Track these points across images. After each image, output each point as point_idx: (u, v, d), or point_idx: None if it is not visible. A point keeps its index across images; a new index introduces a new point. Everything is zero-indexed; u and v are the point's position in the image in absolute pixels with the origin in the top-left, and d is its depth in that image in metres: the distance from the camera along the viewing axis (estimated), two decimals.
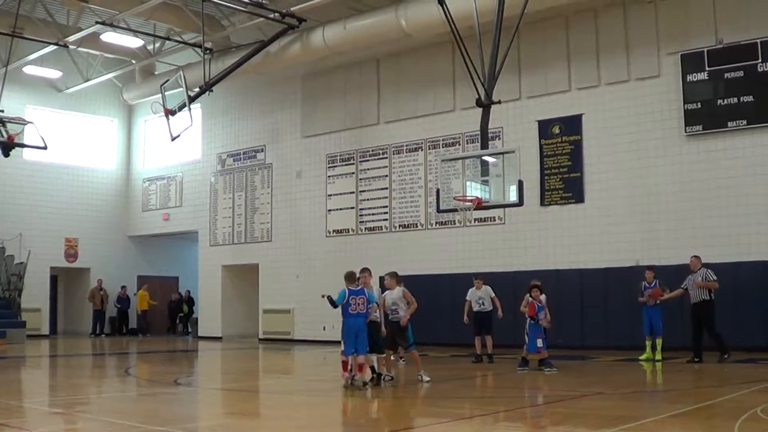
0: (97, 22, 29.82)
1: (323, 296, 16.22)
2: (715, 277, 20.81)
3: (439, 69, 29.77)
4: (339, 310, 15.95)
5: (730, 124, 24.02)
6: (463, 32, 20.46)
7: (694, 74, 24.63)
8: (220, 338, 35.83)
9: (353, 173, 32.24)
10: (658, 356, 21.81)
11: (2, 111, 30.41)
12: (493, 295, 21.98)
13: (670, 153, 25.07)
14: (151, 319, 41.01)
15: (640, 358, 21.95)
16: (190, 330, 40.52)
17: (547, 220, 27.20)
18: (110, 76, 37.12)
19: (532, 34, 27.05)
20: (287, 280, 32.64)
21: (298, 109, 34.35)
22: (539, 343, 19.17)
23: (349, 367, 16.11)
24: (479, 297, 22.01)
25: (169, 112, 29.18)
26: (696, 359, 20.63)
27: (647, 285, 22.18)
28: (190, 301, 41.25)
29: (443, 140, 29.74)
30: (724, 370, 19.40)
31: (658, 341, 21.96)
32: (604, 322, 25.06)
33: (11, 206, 37.07)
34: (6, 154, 30.22)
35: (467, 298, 22.18)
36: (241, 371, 19.64)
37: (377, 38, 28.37)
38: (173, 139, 29.09)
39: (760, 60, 23.56)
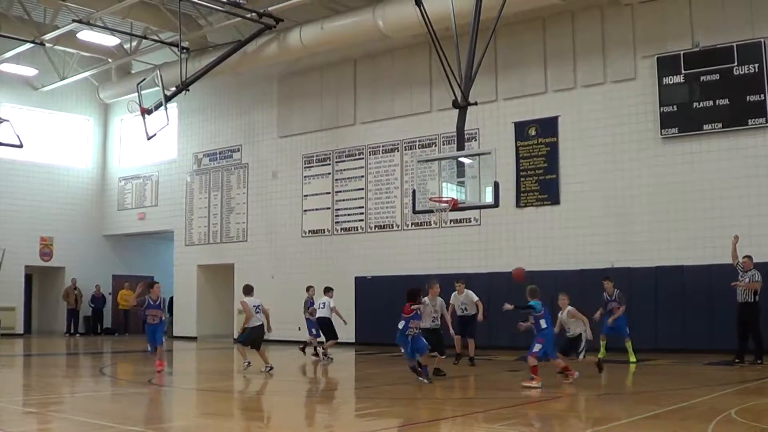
0: (73, 20, 29.69)
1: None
2: (760, 279, 20.64)
3: (416, 70, 29.80)
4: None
5: (705, 127, 24.13)
6: (440, 34, 20.52)
7: (670, 77, 24.73)
8: (195, 338, 35.74)
9: (329, 174, 32.22)
10: (633, 358, 21.81)
11: None
12: (476, 299, 21.64)
13: (646, 155, 25.16)
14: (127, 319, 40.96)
15: (599, 356, 21.91)
16: (164, 330, 40.35)
17: (522, 221, 27.26)
18: (86, 74, 36.95)
19: (509, 36, 27.13)
20: (262, 281, 32.54)
21: (274, 109, 34.30)
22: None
23: None
24: (461, 302, 21.77)
25: (146, 111, 29.06)
26: (737, 360, 20.48)
27: (608, 297, 21.99)
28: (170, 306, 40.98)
29: (419, 141, 29.76)
30: (699, 372, 19.49)
31: (628, 344, 21.93)
32: None
33: None
34: None
35: (451, 302, 21.73)
36: (216, 371, 19.62)
37: (354, 39, 28.35)
38: (149, 138, 28.98)
39: (736, 63, 23.67)
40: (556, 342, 17.47)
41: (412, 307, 16.89)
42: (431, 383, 16.61)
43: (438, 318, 18.91)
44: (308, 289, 25.75)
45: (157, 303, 20.04)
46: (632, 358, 21.79)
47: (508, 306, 17.48)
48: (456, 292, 21.81)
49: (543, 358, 17.02)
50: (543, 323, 16.94)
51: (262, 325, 20.29)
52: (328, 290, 24.48)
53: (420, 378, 16.95)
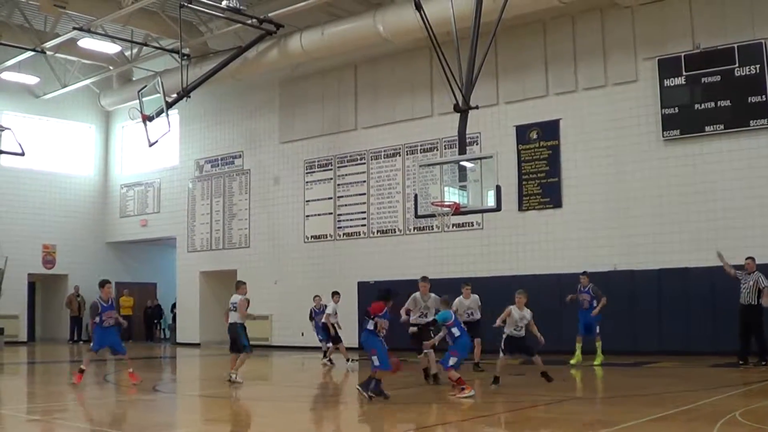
0: (74, 28, 29.69)
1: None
2: (767, 283, 20.36)
3: (417, 74, 29.78)
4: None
5: (707, 128, 24.10)
6: (440, 38, 20.46)
7: (672, 79, 24.71)
8: (198, 344, 35.72)
9: (331, 179, 32.22)
10: (597, 360, 21.85)
11: None
12: (480, 303, 21.21)
13: (648, 158, 25.14)
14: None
15: (571, 362, 21.90)
16: (168, 336, 40.37)
17: (525, 225, 27.24)
18: (88, 82, 36.98)
19: (510, 39, 27.09)
20: (265, 286, 32.51)
21: (275, 115, 34.31)
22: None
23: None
24: (467, 307, 21.00)
25: (147, 118, 29.05)
26: (741, 362, 20.35)
27: (582, 289, 22.13)
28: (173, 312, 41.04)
29: (421, 146, 29.75)
30: (703, 374, 19.49)
31: (597, 344, 21.96)
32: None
33: None
34: None
35: (454, 308, 19.84)
36: (220, 378, 19.57)
37: (355, 44, 28.34)
38: (151, 145, 28.96)
39: (737, 65, 23.65)
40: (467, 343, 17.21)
41: (386, 306, 15.76)
42: (371, 401, 14.98)
43: (427, 314, 18.52)
44: (314, 298, 25.83)
45: (110, 304, 19.26)
46: (597, 360, 21.82)
47: (413, 329, 17.49)
48: (462, 297, 21.06)
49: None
50: (456, 331, 16.46)
51: (233, 324, 19.33)
52: (333, 294, 24.46)
53: (368, 393, 15.14)
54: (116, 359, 20.20)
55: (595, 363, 21.88)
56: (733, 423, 11.51)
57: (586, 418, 12.82)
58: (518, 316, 17.33)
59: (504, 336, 17.49)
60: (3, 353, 30.93)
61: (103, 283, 19.13)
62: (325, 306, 24.98)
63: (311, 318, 25.59)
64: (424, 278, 18.88)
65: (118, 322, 19.36)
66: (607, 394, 16.22)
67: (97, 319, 18.65)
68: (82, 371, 18.61)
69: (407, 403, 15.44)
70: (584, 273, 22.68)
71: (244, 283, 19.90)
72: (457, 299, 20.71)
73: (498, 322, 17.43)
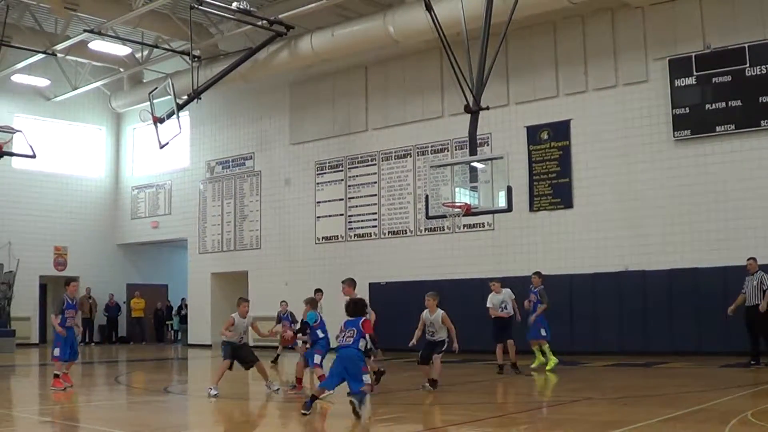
0: (85, 30, 29.76)
1: None
2: None
3: (427, 75, 29.78)
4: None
5: (718, 128, 24.04)
6: (451, 39, 20.48)
7: (682, 79, 24.66)
8: (210, 346, 35.73)
9: (342, 180, 32.23)
10: (536, 363, 21.43)
11: None
12: (513, 296, 20.69)
13: (659, 158, 25.09)
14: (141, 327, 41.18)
15: (547, 368, 21.49)
16: (180, 337, 40.50)
17: (536, 225, 27.21)
18: (98, 84, 37.05)
19: (520, 40, 27.09)
20: (276, 288, 32.48)
21: (286, 117, 34.34)
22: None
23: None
24: (501, 301, 20.46)
25: (158, 120, 29.06)
26: (752, 362, 20.30)
27: (532, 289, 21.53)
28: (179, 311, 41.14)
29: (432, 146, 29.75)
30: (714, 374, 19.45)
31: (534, 348, 21.54)
32: (592, 328, 25.07)
33: (0, 215, 37.01)
34: None
35: (489, 304, 20.43)
36: (231, 379, 19.54)
37: (365, 45, 28.36)
38: (162, 146, 28.97)
39: (747, 65, 23.60)
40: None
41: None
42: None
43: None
44: (281, 303, 26.35)
45: (74, 303, 18.88)
46: (535, 363, 21.42)
47: (289, 332, 17.37)
48: (493, 292, 20.56)
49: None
50: (320, 333, 16.77)
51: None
52: (315, 292, 23.14)
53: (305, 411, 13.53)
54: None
55: (533, 365, 21.38)
56: (744, 423, 11.48)
57: (598, 419, 12.79)
58: (428, 320, 17.25)
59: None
60: (15, 355, 30.98)
61: (68, 282, 19.00)
62: (291, 313, 24.92)
63: (278, 322, 25.28)
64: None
65: (76, 324, 19.17)
66: (619, 395, 16.18)
67: (60, 318, 18.44)
68: (57, 376, 18.42)
69: (416, 405, 15.46)
70: (536, 273, 21.99)
71: (242, 302, 18.11)
72: (490, 295, 20.55)
73: (414, 338, 17.47)
